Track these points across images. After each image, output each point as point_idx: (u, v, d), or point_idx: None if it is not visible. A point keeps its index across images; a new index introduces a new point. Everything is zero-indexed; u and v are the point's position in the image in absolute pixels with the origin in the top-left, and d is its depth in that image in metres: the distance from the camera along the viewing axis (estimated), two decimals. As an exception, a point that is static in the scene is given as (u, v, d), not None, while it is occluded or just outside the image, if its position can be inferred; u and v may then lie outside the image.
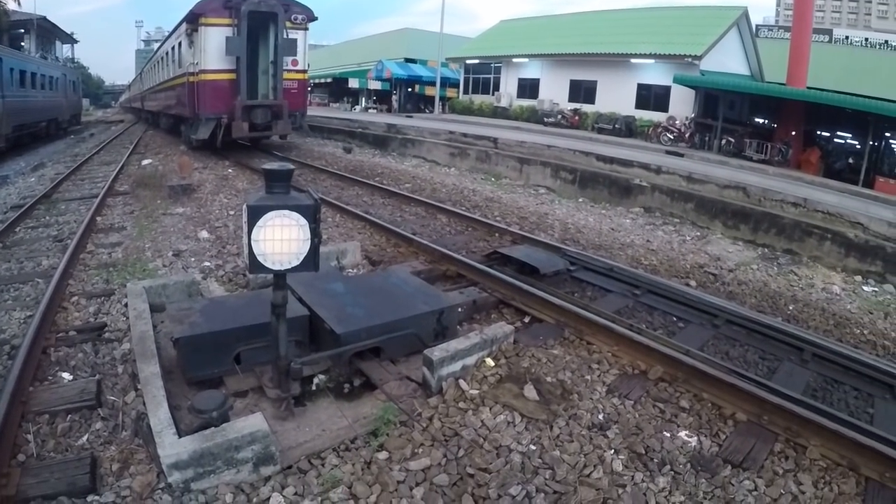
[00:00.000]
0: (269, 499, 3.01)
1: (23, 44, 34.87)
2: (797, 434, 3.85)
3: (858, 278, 9.14)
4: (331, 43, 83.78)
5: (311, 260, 3.35)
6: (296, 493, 3.08)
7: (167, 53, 21.70)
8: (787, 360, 5.49)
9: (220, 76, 15.75)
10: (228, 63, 15.59)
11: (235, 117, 15.45)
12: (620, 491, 3.24)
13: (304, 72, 18.10)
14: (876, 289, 8.75)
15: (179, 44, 18.18)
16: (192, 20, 15.78)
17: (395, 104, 43.92)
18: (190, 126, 17.43)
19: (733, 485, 3.37)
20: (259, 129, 16.18)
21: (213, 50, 15.45)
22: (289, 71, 16.86)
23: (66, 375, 4.26)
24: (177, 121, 20.56)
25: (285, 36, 16.10)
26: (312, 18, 17.51)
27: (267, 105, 16.27)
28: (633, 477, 3.36)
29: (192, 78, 16.25)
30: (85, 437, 3.51)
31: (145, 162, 16.31)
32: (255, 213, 3.23)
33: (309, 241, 3.29)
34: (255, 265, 3.31)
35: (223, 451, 3.06)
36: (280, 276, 3.49)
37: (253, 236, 3.25)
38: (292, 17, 16.49)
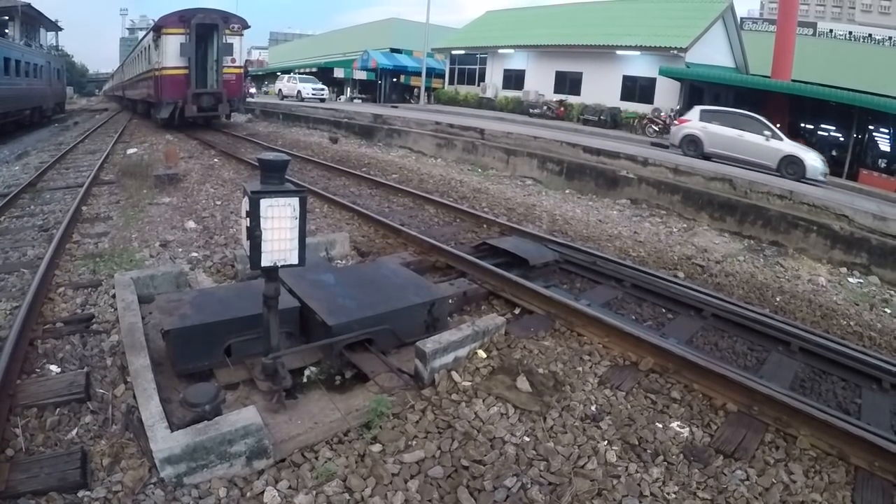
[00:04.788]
0: (262, 493, 2.98)
1: (7, 31, 34.28)
2: (787, 424, 3.87)
3: (844, 270, 9.23)
4: (316, 32, 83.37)
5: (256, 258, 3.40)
6: (290, 487, 3.05)
7: (141, 52, 27.10)
8: (776, 350, 5.54)
9: (177, 72, 20.45)
10: (183, 62, 20.38)
11: (188, 102, 20.38)
12: (615, 482, 3.25)
13: (241, 67, 23.25)
14: (861, 280, 8.85)
15: (149, 46, 23.34)
16: (157, 30, 20.89)
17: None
18: (156, 108, 22.21)
19: (725, 475, 3.40)
20: (205, 110, 20.95)
21: (172, 52, 20.30)
22: (228, 67, 21.61)
23: (54, 368, 4.19)
24: (149, 106, 25.04)
25: (225, 41, 21.01)
26: (246, 26, 22.01)
27: (211, 93, 21.01)
28: (627, 468, 3.37)
29: (157, 73, 21.13)
30: (74, 431, 3.46)
31: (131, 151, 16.16)
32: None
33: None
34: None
35: (216, 445, 3.03)
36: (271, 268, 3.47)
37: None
38: (230, 27, 21.28)
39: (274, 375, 3.76)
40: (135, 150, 16.41)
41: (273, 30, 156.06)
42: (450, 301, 5.43)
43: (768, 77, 25.07)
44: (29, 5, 38.38)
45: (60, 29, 50.92)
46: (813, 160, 16.43)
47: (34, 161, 15.45)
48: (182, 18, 20.17)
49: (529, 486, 3.16)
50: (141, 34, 38.31)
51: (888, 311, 7.71)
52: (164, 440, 2.97)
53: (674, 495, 3.20)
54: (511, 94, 35.06)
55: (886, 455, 3.53)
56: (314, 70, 54.27)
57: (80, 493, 2.93)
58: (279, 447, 3.32)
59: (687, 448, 3.62)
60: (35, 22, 41.39)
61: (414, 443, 3.47)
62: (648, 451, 3.55)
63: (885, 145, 25.63)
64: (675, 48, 26.95)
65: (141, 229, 8.05)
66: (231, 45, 21.49)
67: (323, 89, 41.30)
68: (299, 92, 40.03)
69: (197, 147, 17.42)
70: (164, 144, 16.74)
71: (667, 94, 27.45)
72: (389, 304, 4.68)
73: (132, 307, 4.53)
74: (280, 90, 43.13)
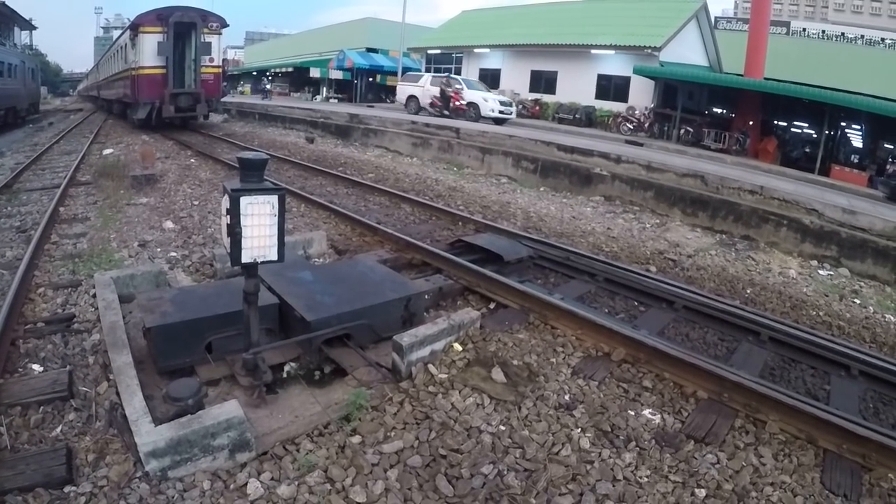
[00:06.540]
0: (246, 485, 3.05)
1: (-19, 31, 33.82)
2: (756, 410, 4.01)
3: (814, 263, 9.43)
4: (292, 32, 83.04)
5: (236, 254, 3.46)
6: (272, 479, 3.12)
7: (117, 51, 26.79)
8: (746, 340, 5.69)
9: (154, 71, 20.19)
10: (160, 61, 20.09)
11: (165, 102, 20.00)
12: (589, 467, 3.36)
13: (219, 67, 22.91)
14: (831, 272, 9.06)
15: (125, 45, 23.03)
16: (134, 28, 20.58)
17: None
18: (132, 109, 21.89)
19: (696, 459, 3.52)
20: (183, 111, 20.61)
21: (149, 51, 19.98)
22: (206, 66, 21.33)
23: (37, 367, 4.22)
24: (125, 106, 24.65)
25: (203, 40, 20.76)
26: (225, 25, 21.83)
27: (189, 93, 20.69)
28: (600, 453, 3.48)
29: (134, 72, 20.81)
30: (59, 429, 3.50)
31: (107, 151, 16.02)
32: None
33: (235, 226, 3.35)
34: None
35: (199, 439, 3.09)
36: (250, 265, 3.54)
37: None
38: (209, 25, 21.06)
39: (254, 371, 3.83)
40: (111, 150, 16.28)
41: (249, 29, 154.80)
42: (426, 296, 5.51)
43: (741, 75, 25.38)
44: (3, 3, 37.76)
45: (35, 28, 50.17)
46: None
47: (9, 162, 15.25)
48: (160, 17, 19.86)
49: (506, 472, 3.25)
50: (116, 33, 37.96)
51: (857, 301, 7.90)
52: (149, 434, 3.02)
53: (646, 479, 3.31)
54: (487, 93, 35.18)
55: (854, 438, 3.67)
56: (290, 70, 54.02)
57: (67, 489, 2.97)
58: (261, 440, 3.39)
59: (658, 434, 3.74)
60: (9, 21, 40.74)
61: (393, 434, 3.56)
62: (621, 437, 3.67)
63: (856, 141, 26.11)
64: (650, 47, 27.19)
65: (119, 230, 8.04)
66: (209, 44, 21.20)
67: (511, 104, 26.38)
68: (474, 106, 24.90)
69: (173, 147, 17.32)
70: (141, 145, 16.64)
71: (641, 93, 27.70)
72: (367, 300, 4.76)
73: (113, 306, 4.56)
74: (415, 100, 27.91)
